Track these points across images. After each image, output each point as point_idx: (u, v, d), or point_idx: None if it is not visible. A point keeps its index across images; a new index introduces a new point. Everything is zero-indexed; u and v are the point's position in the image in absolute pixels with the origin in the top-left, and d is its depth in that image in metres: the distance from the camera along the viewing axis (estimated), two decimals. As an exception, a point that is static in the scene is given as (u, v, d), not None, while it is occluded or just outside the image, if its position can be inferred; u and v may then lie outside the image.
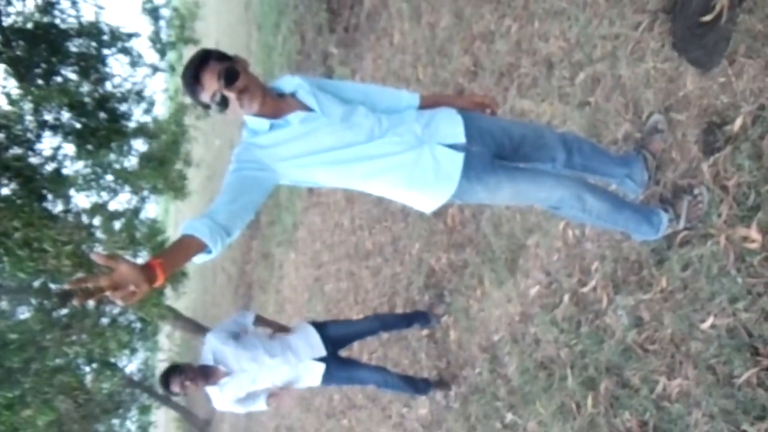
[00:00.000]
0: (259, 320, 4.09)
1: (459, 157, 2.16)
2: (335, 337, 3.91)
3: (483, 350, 3.73)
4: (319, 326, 3.93)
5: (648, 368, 2.55)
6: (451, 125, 2.23)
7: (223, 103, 2.01)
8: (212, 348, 3.73)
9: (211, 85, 1.98)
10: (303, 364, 3.73)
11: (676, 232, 2.48)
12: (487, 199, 2.27)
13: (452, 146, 2.19)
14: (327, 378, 3.79)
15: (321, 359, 3.76)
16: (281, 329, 4.07)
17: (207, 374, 3.64)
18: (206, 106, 2.07)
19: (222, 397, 3.68)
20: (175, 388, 3.56)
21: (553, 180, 2.27)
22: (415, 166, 2.15)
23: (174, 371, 3.62)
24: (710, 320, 2.29)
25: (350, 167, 2.14)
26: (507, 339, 3.52)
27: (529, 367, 3.29)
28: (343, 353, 4.04)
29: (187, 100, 12.43)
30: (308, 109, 2.13)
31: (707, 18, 2.39)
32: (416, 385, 4.08)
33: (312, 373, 3.76)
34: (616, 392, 2.69)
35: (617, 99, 2.88)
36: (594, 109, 3.02)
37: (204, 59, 2.00)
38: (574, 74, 3.18)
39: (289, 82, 2.21)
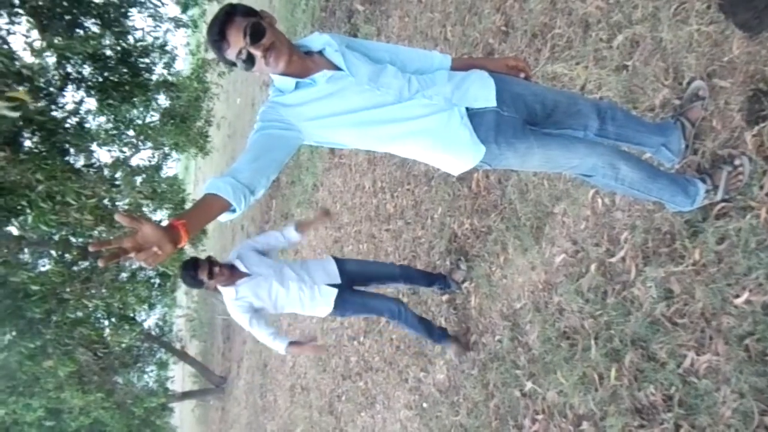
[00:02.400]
0: (301, 227, 4.20)
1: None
2: (352, 271, 4.01)
3: (504, 318, 3.68)
4: (339, 260, 4.04)
5: (676, 342, 2.49)
6: (483, 88, 2.15)
7: (249, 60, 1.94)
8: (238, 251, 3.94)
9: (237, 42, 1.92)
10: (317, 287, 3.82)
11: (712, 203, 2.39)
12: (517, 165, 2.20)
13: (483, 110, 2.12)
14: (340, 304, 3.83)
15: (335, 286, 3.86)
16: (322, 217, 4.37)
17: (230, 270, 3.77)
18: (232, 64, 2.00)
19: (235, 298, 3.75)
20: (203, 275, 3.65)
21: (586, 147, 2.19)
22: (445, 129, 2.08)
23: (201, 260, 3.73)
24: (745, 295, 2.22)
25: (378, 129, 2.08)
26: (529, 307, 3.46)
27: (551, 336, 3.24)
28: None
29: (210, 56, 12.32)
30: (336, 68, 2.06)
31: (759, -22, 2.26)
32: (431, 331, 4.05)
33: (325, 298, 3.82)
34: (641, 365, 2.64)
35: (657, 63, 2.76)
36: (631, 73, 2.90)
37: (230, 14, 1.93)
38: (611, 36, 3.05)
39: (317, 40, 2.13)
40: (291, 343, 3.85)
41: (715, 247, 2.37)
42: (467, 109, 2.11)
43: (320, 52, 2.12)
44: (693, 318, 2.43)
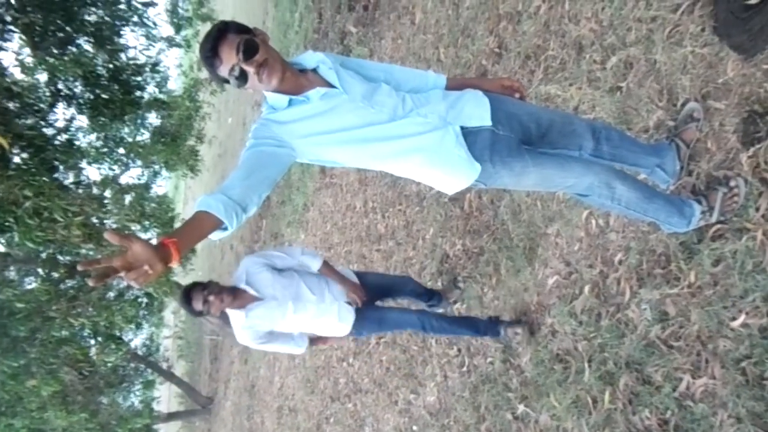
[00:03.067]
0: (326, 269, 3.66)
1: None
2: (372, 284, 3.72)
3: (496, 340, 3.64)
4: (360, 274, 3.77)
5: (671, 365, 2.45)
6: (478, 107, 2.14)
7: (242, 77, 1.92)
8: (246, 269, 3.47)
9: (229, 59, 1.89)
10: (338, 305, 3.46)
11: (708, 225, 2.38)
12: (512, 185, 2.18)
13: (477, 129, 2.10)
14: (358, 322, 3.50)
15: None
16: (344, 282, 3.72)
17: (234, 294, 3.34)
18: (224, 81, 1.98)
19: (246, 325, 3.39)
20: (198, 304, 3.26)
21: (582, 166, 2.17)
22: (440, 147, 2.06)
23: (197, 286, 3.33)
24: (741, 318, 2.20)
25: (372, 147, 2.06)
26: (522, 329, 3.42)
27: (544, 358, 3.20)
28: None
29: (202, 75, 12.34)
30: (330, 85, 2.05)
31: (753, 1, 2.27)
32: (476, 326, 3.59)
33: (344, 319, 3.46)
34: (636, 388, 2.60)
35: (651, 85, 2.76)
36: (625, 95, 2.90)
37: (223, 31, 1.91)
38: (605, 58, 3.06)
39: (310, 58, 2.12)
40: (313, 341, 3.65)
41: (710, 269, 2.35)
42: (462, 128, 2.09)
43: (314, 70, 2.10)
44: (689, 341, 2.40)
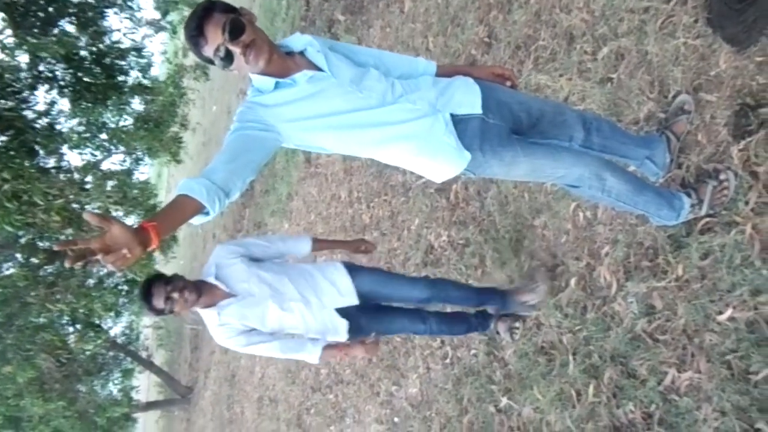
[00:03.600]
0: (319, 244, 3.31)
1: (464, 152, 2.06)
2: (368, 292, 3.09)
3: (486, 334, 3.61)
4: (353, 270, 3.14)
5: (657, 359, 2.44)
6: (468, 94, 2.11)
7: (228, 58, 1.86)
8: (217, 261, 2.98)
9: (215, 39, 1.84)
10: (327, 312, 2.97)
11: (697, 218, 2.36)
12: (502, 174, 2.14)
13: (467, 117, 2.06)
14: (354, 332, 3.02)
15: (347, 310, 3.02)
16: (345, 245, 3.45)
17: (201, 290, 2.85)
18: (209, 61, 1.92)
19: (220, 324, 2.89)
20: (158, 302, 2.76)
21: (573, 157, 2.15)
22: (429, 134, 2.02)
23: (158, 280, 2.82)
24: (728, 312, 2.18)
25: (360, 133, 2.01)
26: (506, 321, 3.40)
27: (528, 351, 3.17)
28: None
29: (187, 61, 12.19)
30: (317, 69, 1.99)
31: (748, -8, 2.25)
32: (468, 323, 3.34)
33: (335, 329, 3.00)
34: (621, 382, 2.59)
35: (642, 76, 2.73)
36: (616, 86, 2.87)
37: (209, 10, 1.85)
38: (596, 49, 3.03)
39: (298, 40, 2.07)
40: (327, 348, 2.97)
41: (698, 263, 2.33)
42: (452, 115, 2.06)
43: (301, 53, 2.05)
44: (675, 334, 2.39)
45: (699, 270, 2.34)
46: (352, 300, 3.03)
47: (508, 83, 2.30)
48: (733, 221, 2.23)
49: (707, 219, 2.33)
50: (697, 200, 2.31)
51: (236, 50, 1.85)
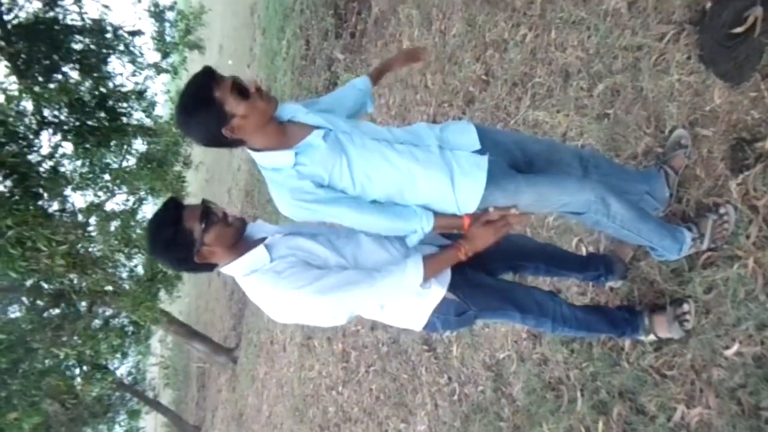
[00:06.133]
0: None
1: (483, 159, 2.09)
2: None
3: (487, 368, 3.60)
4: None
5: (666, 395, 2.42)
6: (464, 134, 2.17)
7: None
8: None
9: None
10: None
11: (699, 252, 2.37)
12: (507, 205, 2.13)
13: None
14: (460, 287, 2.12)
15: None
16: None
17: (245, 222, 2.05)
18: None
19: (275, 258, 1.96)
20: (193, 221, 1.90)
21: (577, 182, 2.16)
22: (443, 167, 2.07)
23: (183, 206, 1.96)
24: (735, 347, 2.18)
25: (395, 149, 2.06)
26: (513, 357, 3.39)
27: (536, 387, 3.16)
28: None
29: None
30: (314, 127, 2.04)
31: (739, 30, 2.29)
32: (614, 321, 2.46)
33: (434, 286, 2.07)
34: (630, 418, 2.57)
35: (638, 112, 2.77)
36: (613, 121, 2.91)
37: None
38: (592, 85, 3.07)
39: (283, 110, 2.07)
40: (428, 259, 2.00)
41: (702, 297, 2.33)
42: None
43: (289, 121, 2.06)
44: (682, 370, 2.38)
45: (704, 304, 2.34)
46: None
47: (421, 58, 2.56)
48: (735, 255, 2.24)
49: (709, 253, 2.34)
50: (699, 234, 2.32)
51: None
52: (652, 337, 2.46)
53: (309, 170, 1.95)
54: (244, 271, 1.97)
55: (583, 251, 2.99)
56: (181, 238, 1.88)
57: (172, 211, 1.90)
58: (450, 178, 2.05)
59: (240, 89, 1.85)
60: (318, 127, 2.01)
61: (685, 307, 2.37)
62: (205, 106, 1.83)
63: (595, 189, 2.13)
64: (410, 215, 2.03)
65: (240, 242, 2.01)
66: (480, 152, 2.12)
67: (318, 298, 1.87)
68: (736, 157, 2.30)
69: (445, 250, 2.07)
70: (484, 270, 2.26)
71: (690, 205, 2.47)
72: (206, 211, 1.92)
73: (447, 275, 2.08)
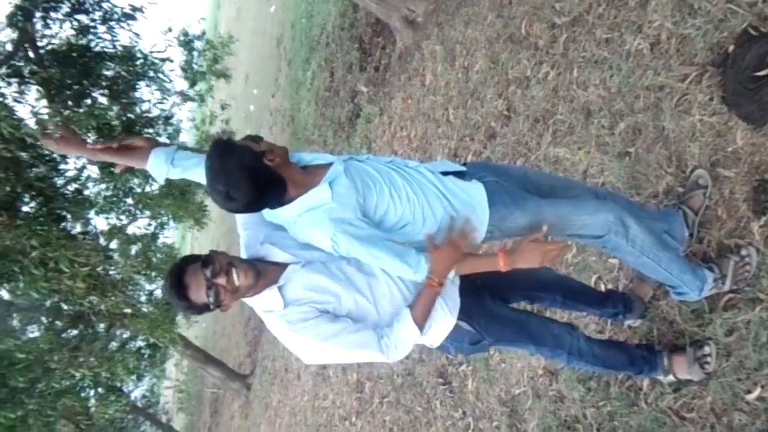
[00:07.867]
0: None
1: (479, 185, 2.14)
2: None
3: (502, 403, 3.56)
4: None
5: (684, 438, 2.39)
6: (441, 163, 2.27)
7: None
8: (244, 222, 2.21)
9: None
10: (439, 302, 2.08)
11: (720, 293, 2.35)
12: (528, 225, 2.11)
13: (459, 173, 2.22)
14: (476, 315, 2.15)
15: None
16: None
17: (257, 270, 1.95)
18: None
19: (288, 306, 1.97)
20: (198, 294, 1.88)
21: (596, 202, 2.18)
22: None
23: (191, 263, 1.92)
24: (757, 391, 2.15)
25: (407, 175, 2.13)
26: (529, 393, 3.36)
27: (551, 425, 3.12)
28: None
29: (213, 129, 12.49)
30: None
31: (762, 73, 2.30)
32: (632, 359, 2.41)
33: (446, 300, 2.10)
34: (648, 461, 2.53)
35: (660, 151, 2.77)
36: (634, 160, 2.91)
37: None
38: (613, 123, 3.09)
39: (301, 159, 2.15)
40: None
41: (723, 340, 2.31)
42: None
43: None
44: (702, 413, 2.34)
45: (725, 347, 2.31)
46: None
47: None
48: (757, 298, 2.23)
49: (731, 295, 2.32)
50: (720, 275, 2.31)
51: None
52: (671, 377, 2.43)
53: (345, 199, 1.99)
54: (262, 308, 2.03)
55: (602, 288, 2.98)
56: (196, 309, 1.95)
57: (174, 282, 1.89)
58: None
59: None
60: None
61: (707, 349, 2.34)
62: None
63: (614, 210, 2.14)
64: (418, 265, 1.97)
65: (265, 268, 2.00)
66: (495, 180, 2.21)
67: (327, 354, 1.99)
68: (759, 198, 2.29)
69: (480, 255, 2.09)
70: (500, 297, 2.27)
71: (711, 246, 2.46)
72: (211, 280, 1.89)
73: (456, 302, 2.09)
